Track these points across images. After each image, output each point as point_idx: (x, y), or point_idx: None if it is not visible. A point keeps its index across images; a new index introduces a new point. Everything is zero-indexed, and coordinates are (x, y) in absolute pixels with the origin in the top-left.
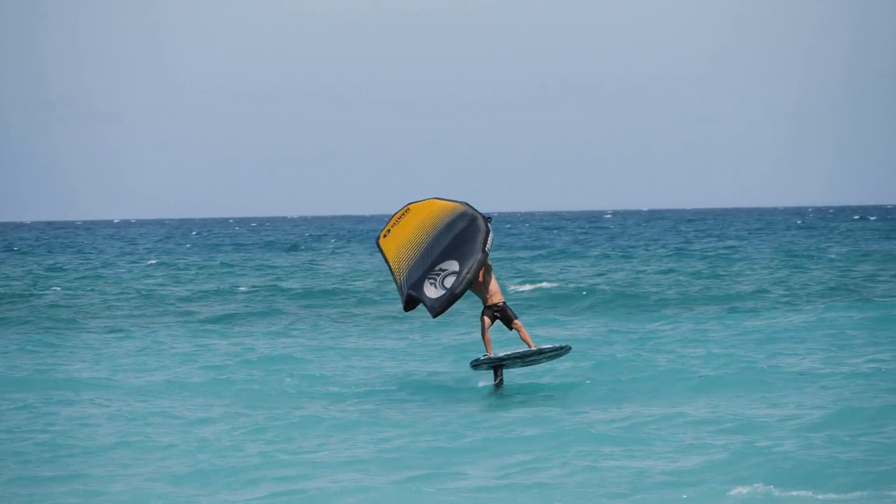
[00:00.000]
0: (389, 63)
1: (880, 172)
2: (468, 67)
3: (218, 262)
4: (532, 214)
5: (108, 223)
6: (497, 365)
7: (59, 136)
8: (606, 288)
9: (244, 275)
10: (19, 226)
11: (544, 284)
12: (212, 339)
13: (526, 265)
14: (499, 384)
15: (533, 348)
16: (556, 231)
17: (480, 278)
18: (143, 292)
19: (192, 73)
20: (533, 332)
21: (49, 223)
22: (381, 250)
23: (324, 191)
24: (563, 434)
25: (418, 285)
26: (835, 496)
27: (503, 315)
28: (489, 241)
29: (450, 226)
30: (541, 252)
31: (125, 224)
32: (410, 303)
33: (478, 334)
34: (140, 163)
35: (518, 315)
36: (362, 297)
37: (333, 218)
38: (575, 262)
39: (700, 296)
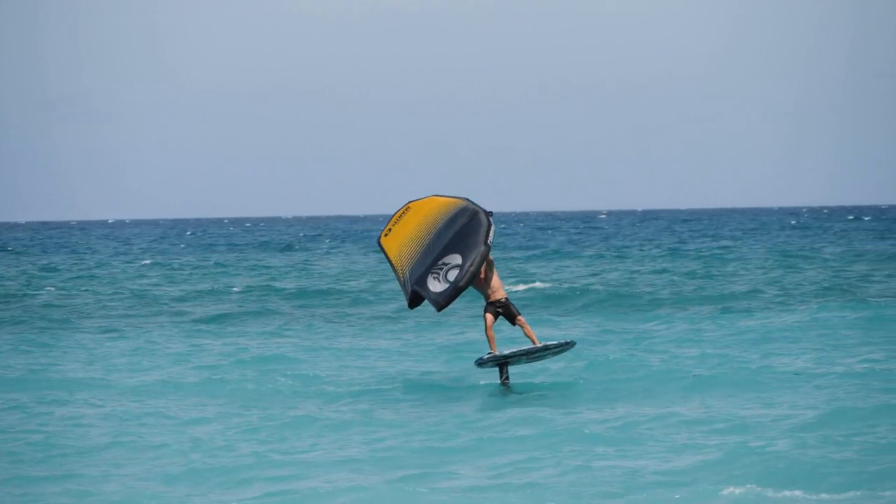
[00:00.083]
0: (389, 63)
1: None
2: (468, 67)
3: (212, 262)
4: (527, 214)
5: (102, 223)
6: (502, 362)
7: (58, 136)
8: (600, 288)
9: (238, 275)
10: (14, 226)
11: (538, 284)
12: (205, 339)
13: (520, 265)
14: (505, 381)
15: (538, 345)
16: (550, 231)
17: (482, 274)
18: (137, 292)
19: (192, 73)
20: (519, 336)
21: (44, 223)
22: (382, 249)
23: (324, 191)
24: (556, 434)
25: (422, 281)
26: (828, 496)
27: (506, 311)
28: (491, 234)
29: (451, 221)
30: (535, 252)
31: (120, 224)
32: (415, 300)
33: (472, 334)
34: (140, 163)
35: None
36: (356, 297)
37: (328, 218)
38: (569, 262)
39: (694, 296)
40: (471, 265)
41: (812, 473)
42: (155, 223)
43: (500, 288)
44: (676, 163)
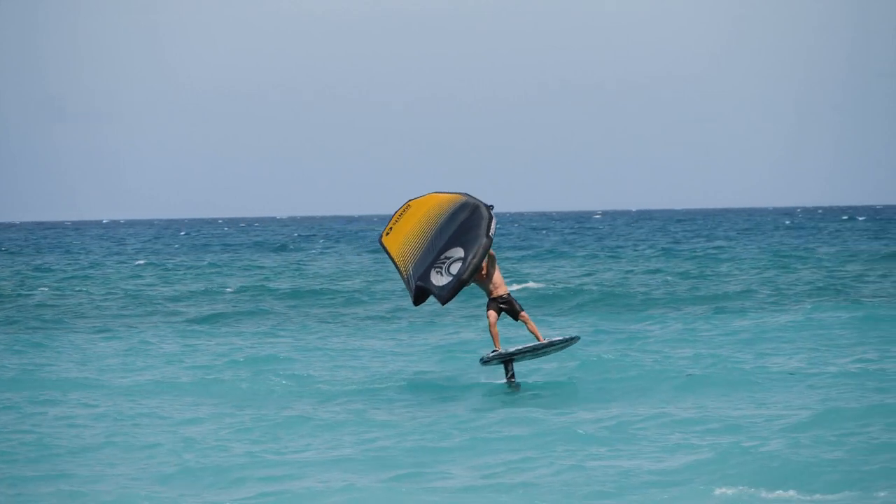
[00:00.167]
0: (389, 63)
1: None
2: (468, 67)
3: (206, 262)
4: (521, 214)
5: (97, 223)
6: (507, 360)
7: (58, 136)
8: (594, 288)
9: (232, 275)
10: (8, 226)
11: (531, 284)
12: (199, 340)
13: (514, 265)
14: (511, 379)
15: (543, 341)
16: (544, 231)
17: (484, 270)
18: (131, 292)
19: (192, 73)
20: (519, 334)
21: (38, 223)
22: (384, 249)
23: (324, 191)
24: (550, 434)
25: (425, 276)
26: (821, 496)
27: (509, 307)
28: (493, 227)
29: (452, 217)
30: (529, 252)
31: (114, 224)
32: (420, 296)
33: (466, 333)
34: (139, 163)
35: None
36: (350, 297)
37: (322, 218)
38: (563, 262)
39: (688, 296)
40: (473, 257)
41: (805, 473)
42: (149, 223)
43: (502, 284)
44: (676, 163)
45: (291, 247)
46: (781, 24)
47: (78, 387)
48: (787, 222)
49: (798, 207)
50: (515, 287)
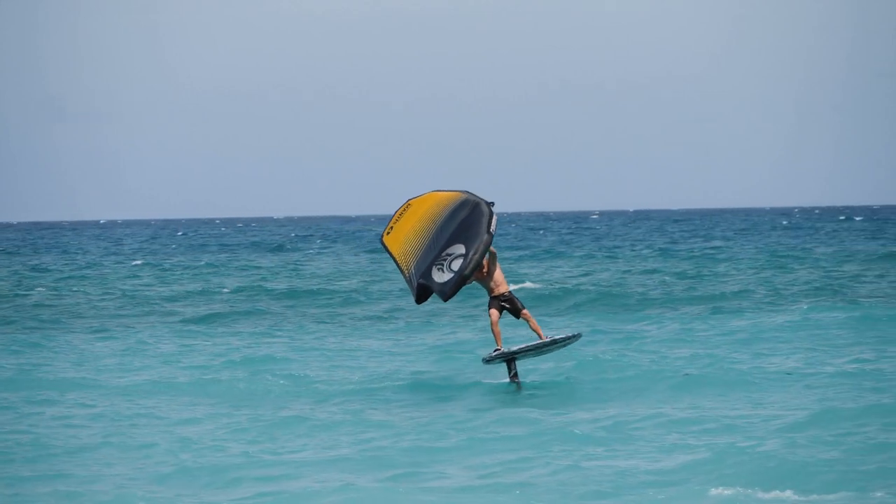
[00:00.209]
0: (389, 63)
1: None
2: (468, 67)
3: (203, 262)
4: (519, 215)
5: (94, 223)
6: (510, 359)
7: (58, 136)
8: (591, 288)
9: (229, 275)
10: (6, 226)
11: (528, 284)
12: (196, 340)
13: (511, 265)
14: (514, 378)
15: (545, 339)
16: (541, 231)
17: (485, 267)
18: (128, 292)
19: (192, 73)
20: (517, 333)
21: (36, 223)
22: (386, 248)
23: (324, 191)
24: (547, 433)
25: (427, 274)
26: (818, 496)
27: (511, 305)
28: (493, 223)
29: (453, 215)
30: (526, 252)
31: (111, 224)
32: (422, 294)
33: (463, 334)
34: (139, 163)
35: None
36: (347, 297)
37: (320, 218)
38: (560, 263)
39: (685, 296)
40: (474, 253)
41: (802, 473)
42: (146, 223)
43: (503, 282)
44: (676, 163)
45: (288, 247)
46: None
47: (75, 387)
48: (785, 222)
49: (796, 208)
50: (512, 287)
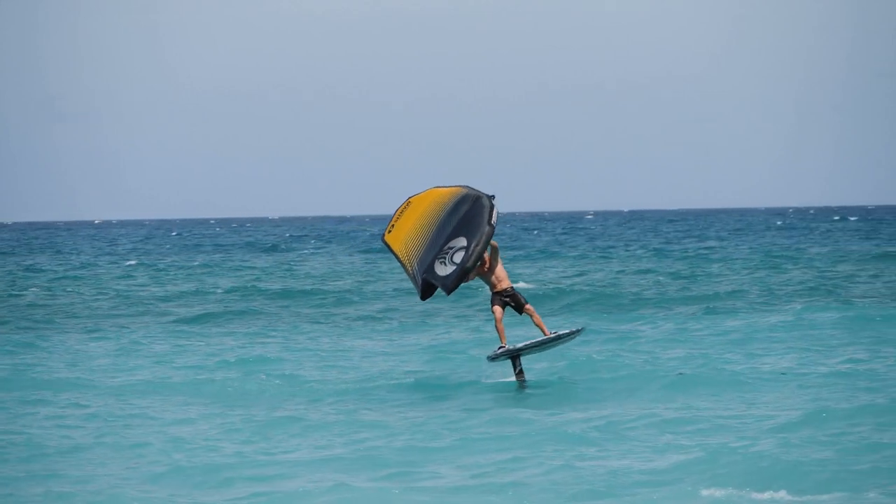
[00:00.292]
0: (389, 63)
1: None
2: (468, 67)
3: (197, 262)
4: (513, 215)
5: (89, 223)
6: (515, 355)
7: (58, 136)
8: (585, 288)
9: (223, 275)
10: (0, 226)
11: (522, 284)
12: (190, 340)
13: (505, 265)
14: (519, 375)
15: (550, 335)
16: (536, 231)
17: (487, 262)
18: (122, 293)
19: (192, 73)
20: (511, 333)
21: (30, 223)
22: (388, 247)
23: (324, 191)
24: (540, 433)
25: (429, 268)
26: (811, 496)
27: (514, 301)
28: (494, 216)
29: (454, 209)
30: (520, 252)
31: (106, 224)
32: (427, 290)
33: (457, 334)
34: (139, 163)
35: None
36: (341, 297)
37: (314, 218)
38: (554, 263)
39: (679, 296)
40: (476, 245)
41: (795, 473)
42: (141, 224)
43: (505, 277)
44: (676, 163)
45: (283, 247)
46: (781, 24)
47: (68, 387)
48: (779, 223)
49: (790, 208)
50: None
